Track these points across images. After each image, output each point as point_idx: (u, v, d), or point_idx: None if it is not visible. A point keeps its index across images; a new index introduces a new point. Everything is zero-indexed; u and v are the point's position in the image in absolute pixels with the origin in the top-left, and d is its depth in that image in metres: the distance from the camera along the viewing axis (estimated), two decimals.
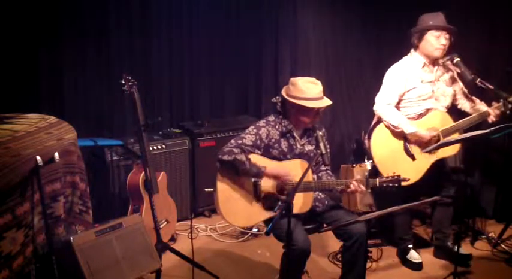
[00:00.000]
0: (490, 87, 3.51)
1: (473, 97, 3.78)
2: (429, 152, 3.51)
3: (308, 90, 3.00)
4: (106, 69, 4.25)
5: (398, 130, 3.57)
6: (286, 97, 3.04)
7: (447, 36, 3.53)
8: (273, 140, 3.08)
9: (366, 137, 3.70)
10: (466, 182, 3.89)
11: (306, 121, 3.07)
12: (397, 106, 3.65)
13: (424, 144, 3.57)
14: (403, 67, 3.63)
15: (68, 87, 4.12)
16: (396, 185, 3.05)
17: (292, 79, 3.08)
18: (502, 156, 4.31)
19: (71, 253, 2.68)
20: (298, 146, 3.14)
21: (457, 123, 3.61)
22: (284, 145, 3.10)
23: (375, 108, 3.64)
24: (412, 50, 3.66)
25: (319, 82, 3.05)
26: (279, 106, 3.15)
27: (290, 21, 5.04)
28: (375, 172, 3.69)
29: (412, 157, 3.60)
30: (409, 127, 3.55)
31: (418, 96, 3.61)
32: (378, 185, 3.06)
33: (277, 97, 3.17)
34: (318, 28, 5.14)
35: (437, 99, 3.65)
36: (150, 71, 4.50)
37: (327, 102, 3.04)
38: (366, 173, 3.13)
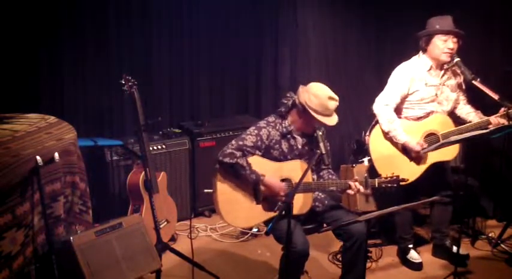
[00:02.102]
0: (493, 95, 3.48)
1: (470, 106, 3.76)
2: (428, 151, 3.52)
3: (330, 106, 2.98)
4: (106, 68, 4.25)
5: (388, 136, 3.57)
6: (307, 108, 2.99)
7: (454, 39, 3.51)
8: (274, 141, 3.08)
9: (367, 133, 3.70)
10: (466, 182, 3.89)
11: (310, 129, 3.09)
12: (400, 106, 3.64)
13: (415, 152, 3.55)
14: (410, 68, 3.61)
15: (68, 87, 4.12)
16: (395, 185, 3.06)
17: (315, 90, 3.00)
18: (502, 156, 4.30)
19: (71, 253, 2.68)
20: (299, 146, 3.14)
21: (458, 128, 3.59)
22: (285, 146, 3.10)
23: (373, 106, 3.63)
24: (421, 52, 3.64)
25: (337, 98, 3.03)
26: (289, 104, 3.09)
27: (290, 21, 5.04)
28: (371, 169, 3.69)
29: (410, 158, 3.59)
30: (400, 136, 3.53)
31: (420, 99, 3.60)
32: (376, 185, 3.07)
33: (292, 96, 3.11)
34: (318, 28, 5.14)
35: (440, 103, 3.64)
36: (150, 71, 4.50)
37: (336, 119, 3.04)
38: (366, 174, 3.12)
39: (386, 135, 3.59)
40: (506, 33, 4.52)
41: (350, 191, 3.04)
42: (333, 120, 3.03)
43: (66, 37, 4.05)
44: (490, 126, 3.48)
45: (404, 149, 3.59)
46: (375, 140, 3.63)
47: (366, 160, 4.05)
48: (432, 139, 3.58)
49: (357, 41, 5.25)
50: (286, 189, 3.01)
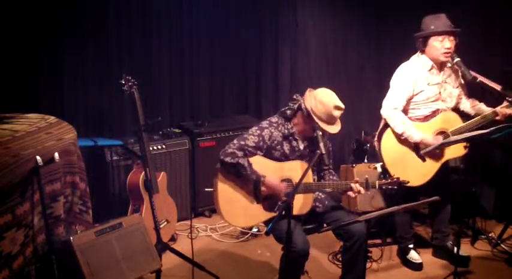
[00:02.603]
0: (496, 87, 3.49)
1: (472, 99, 3.77)
2: (428, 152, 3.52)
3: (335, 115, 3.00)
4: (106, 69, 4.25)
5: (403, 137, 3.55)
6: (312, 115, 2.99)
7: (451, 38, 3.50)
8: (276, 141, 3.08)
9: (376, 139, 3.70)
10: (466, 182, 3.88)
11: (311, 132, 3.08)
12: (406, 108, 3.62)
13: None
14: (411, 69, 3.59)
15: (68, 87, 4.12)
16: (395, 187, 3.06)
17: (322, 96, 3.00)
18: (502, 156, 4.30)
19: (71, 253, 2.68)
20: (301, 148, 3.14)
21: (466, 123, 3.58)
22: (286, 147, 3.11)
23: (381, 111, 3.61)
24: (419, 52, 3.63)
25: (343, 106, 3.03)
26: (295, 107, 3.09)
27: (290, 21, 5.04)
28: (384, 173, 3.68)
29: (423, 159, 3.58)
30: (415, 135, 3.52)
31: (426, 98, 3.59)
32: (377, 187, 3.07)
33: (299, 99, 3.10)
34: (318, 28, 5.14)
35: (444, 100, 3.64)
36: (150, 71, 4.50)
37: (339, 127, 3.07)
38: (366, 176, 3.12)
39: (400, 136, 3.56)
40: (506, 33, 4.52)
41: (351, 194, 3.04)
42: (335, 128, 3.04)
43: (66, 37, 4.05)
44: (498, 117, 3.52)
45: (418, 150, 3.58)
46: (387, 145, 3.60)
47: (378, 165, 4.03)
48: (443, 138, 3.57)
49: (357, 41, 5.25)
50: (287, 190, 3.01)
